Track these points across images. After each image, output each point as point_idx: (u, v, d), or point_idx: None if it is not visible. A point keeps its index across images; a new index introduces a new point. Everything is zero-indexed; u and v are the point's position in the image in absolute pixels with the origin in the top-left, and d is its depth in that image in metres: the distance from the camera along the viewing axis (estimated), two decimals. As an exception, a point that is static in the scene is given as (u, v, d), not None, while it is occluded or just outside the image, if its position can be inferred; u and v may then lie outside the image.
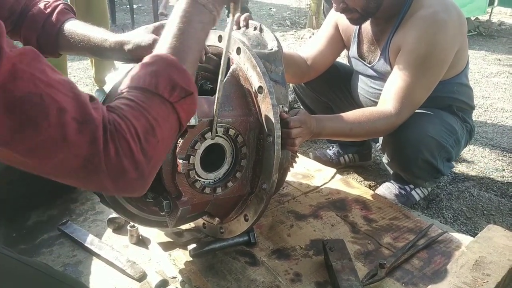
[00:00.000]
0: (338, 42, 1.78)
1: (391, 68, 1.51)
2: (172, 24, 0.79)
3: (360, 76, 1.73)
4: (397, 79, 1.41)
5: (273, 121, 1.02)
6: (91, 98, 0.65)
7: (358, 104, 1.77)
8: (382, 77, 1.59)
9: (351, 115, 1.37)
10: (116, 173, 0.65)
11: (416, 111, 1.47)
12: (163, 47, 0.78)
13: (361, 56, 1.69)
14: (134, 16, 6.34)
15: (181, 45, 0.78)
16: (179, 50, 0.77)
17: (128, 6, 6.41)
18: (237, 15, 1.31)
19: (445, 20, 1.38)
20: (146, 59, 0.75)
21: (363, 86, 1.72)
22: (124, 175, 0.66)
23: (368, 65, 1.65)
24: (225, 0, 0.87)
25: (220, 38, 1.13)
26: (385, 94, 1.45)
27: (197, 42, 0.81)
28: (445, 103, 1.60)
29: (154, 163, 0.72)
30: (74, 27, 1.09)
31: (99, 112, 0.64)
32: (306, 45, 1.87)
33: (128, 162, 0.66)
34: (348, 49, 1.77)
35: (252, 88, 1.07)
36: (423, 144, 1.46)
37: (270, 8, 8.10)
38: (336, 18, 1.74)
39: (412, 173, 1.58)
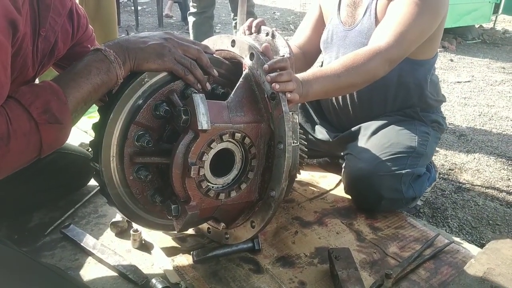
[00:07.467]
0: (323, 23, 1.76)
1: (375, 23, 1.51)
2: (74, 63, 0.91)
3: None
4: (392, 16, 1.43)
5: (285, 128, 1.01)
6: None
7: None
8: (361, 40, 1.55)
9: (336, 63, 1.31)
10: None
11: (363, 147, 1.48)
12: (58, 77, 0.89)
13: (341, 22, 1.66)
14: (139, 17, 6.36)
15: (73, 82, 0.88)
16: (69, 85, 0.87)
17: (133, 8, 6.42)
18: (249, 19, 1.29)
19: None
20: (41, 82, 0.85)
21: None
22: None
23: (348, 28, 1.61)
24: (126, 56, 0.94)
25: (233, 43, 1.12)
26: (378, 30, 1.44)
27: (88, 83, 0.89)
28: (412, 103, 1.61)
29: None
30: None
31: None
32: (295, 35, 1.86)
33: None
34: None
35: (264, 94, 1.06)
36: (383, 188, 1.41)
37: (274, 12, 8.11)
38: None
39: (384, 211, 1.51)
